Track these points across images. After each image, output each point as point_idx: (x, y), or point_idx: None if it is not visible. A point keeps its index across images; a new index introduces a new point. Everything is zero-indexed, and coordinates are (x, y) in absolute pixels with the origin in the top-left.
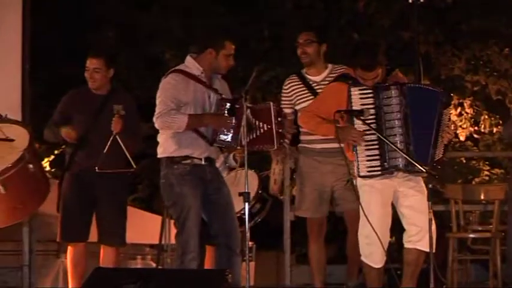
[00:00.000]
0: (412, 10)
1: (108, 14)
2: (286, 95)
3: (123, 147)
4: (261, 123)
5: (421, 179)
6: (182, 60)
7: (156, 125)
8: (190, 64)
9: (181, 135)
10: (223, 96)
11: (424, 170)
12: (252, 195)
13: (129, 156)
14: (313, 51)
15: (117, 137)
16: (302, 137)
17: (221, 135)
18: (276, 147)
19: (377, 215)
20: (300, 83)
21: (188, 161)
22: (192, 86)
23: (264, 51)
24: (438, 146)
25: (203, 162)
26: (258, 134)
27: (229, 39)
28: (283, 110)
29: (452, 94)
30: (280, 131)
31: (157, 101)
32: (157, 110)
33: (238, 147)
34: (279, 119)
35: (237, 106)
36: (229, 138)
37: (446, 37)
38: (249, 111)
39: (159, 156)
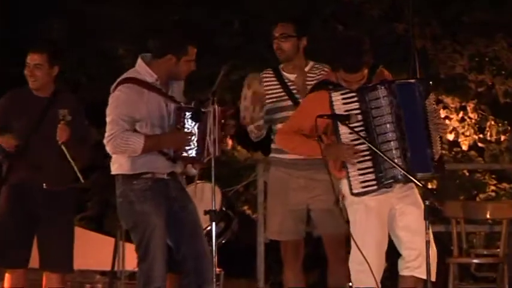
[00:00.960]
0: None
1: (57, 4)
2: None
3: (70, 159)
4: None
5: (417, 191)
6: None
7: (108, 149)
8: (143, 70)
9: None
10: (181, 104)
11: (420, 185)
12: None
13: (76, 170)
14: (291, 47)
15: (63, 147)
16: (272, 146)
17: (185, 152)
18: (218, 153)
19: (375, 239)
20: (275, 79)
21: (149, 175)
22: (146, 97)
23: (234, 46)
24: (434, 143)
25: (166, 177)
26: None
27: (192, 43)
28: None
29: (431, 82)
30: (222, 133)
31: (108, 120)
32: (108, 131)
33: (206, 161)
34: (223, 121)
35: (203, 110)
36: (193, 152)
37: (446, 30)
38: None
39: (113, 172)
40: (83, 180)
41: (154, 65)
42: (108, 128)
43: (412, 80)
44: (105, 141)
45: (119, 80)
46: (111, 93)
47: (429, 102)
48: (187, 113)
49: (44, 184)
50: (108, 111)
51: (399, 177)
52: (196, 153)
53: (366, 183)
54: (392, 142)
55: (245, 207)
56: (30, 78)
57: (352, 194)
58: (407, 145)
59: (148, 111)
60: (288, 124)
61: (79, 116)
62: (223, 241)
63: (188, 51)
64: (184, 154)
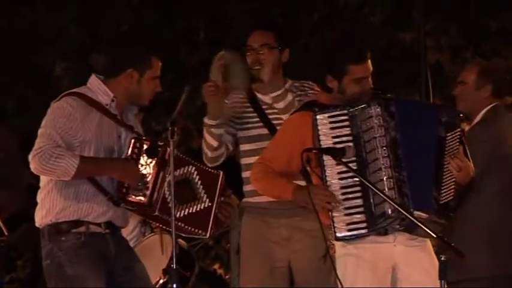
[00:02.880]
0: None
1: None
2: None
3: None
4: (204, 195)
5: (430, 244)
6: (79, 75)
7: (32, 167)
8: (96, 88)
9: (71, 189)
10: (142, 136)
11: (425, 228)
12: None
13: None
14: (274, 61)
15: None
16: (245, 188)
17: (132, 193)
18: (208, 236)
19: None
20: (246, 102)
21: (82, 229)
22: (96, 119)
23: (200, 61)
24: (444, 185)
25: (104, 230)
26: (197, 208)
27: (156, 54)
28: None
29: (461, 114)
30: (219, 215)
31: (40, 132)
32: (36, 144)
33: (157, 214)
34: (223, 198)
35: (160, 144)
36: (142, 197)
37: (467, 39)
38: (193, 168)
39: (38, 224)
40: (6, 233)
41: (111, 83)
42: (37, 141)
43: (435, 106)
44: (30, 156)
45: (64, 93)
46: (51, 105)
47: (452, 137)
48: (146, 146)
49: None
50: (43, 122)
51: (390, 213)
52: (145, 198)
53: (354, 226)
54: (383, 170)
55: (215, 266)
56: None
57: (336, 238)
58: (404, 176)
59: (95, 136)
60: (264, 157)
61: (10, 154)
62: None
63: (153, 63)
64: (133, 197)
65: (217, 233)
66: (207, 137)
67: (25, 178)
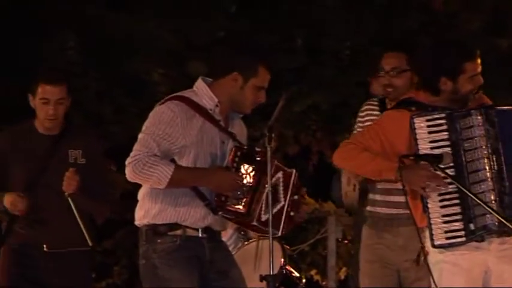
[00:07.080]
0: None
1: (66, 14)
2: (361, 124)
3: (77, 215)
4: (282, 195)
5: None
6: (176, 82)
7: (126, 173)
8: (202, 91)
9: (170, 192)
10: (241, 144)
11: None
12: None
13: (83, 229)
14: (404, 84)
15: (69, 200)
16: (370, 195)
17: (231, 202)
18: (280, 234)
19: None
20: (379, 113)
21: (178, 232)
22: (199, 124)
23: (296, 68)
24: None
25: (200, 234)
26: (275, 209)
27: (264, 64)
28: None
29: None
30: (292, 214)
31: (139, 137)
32: (133, 151)
33: (255, 223)
34: (296, 196)
35: (258, 150)
36: (241, 206)
37: None
38: (281, 173)
39: (137, 222)
40: (91, 243)
41: (215, 87)
42: (134, 147)
43: None
44: (126, 162)
45: (168, 96)
46: (155, 108)
47: None
48: (239, 153)
49: (45, 245)
50: (144, 126)
51: (493, 227)
52: (244, 208)
53: (452, 234)
54: (485, 182)
55: (312, 272)
56: (51, 116)
57: (434, 246)
58: (507, 187)
59: (196, 141)
60: (354, 139)
61: (96, 160)
62: None
63: (259, 72)
64: (231, 207)
65: (287, 231)
66: None
67: (119, 184)
